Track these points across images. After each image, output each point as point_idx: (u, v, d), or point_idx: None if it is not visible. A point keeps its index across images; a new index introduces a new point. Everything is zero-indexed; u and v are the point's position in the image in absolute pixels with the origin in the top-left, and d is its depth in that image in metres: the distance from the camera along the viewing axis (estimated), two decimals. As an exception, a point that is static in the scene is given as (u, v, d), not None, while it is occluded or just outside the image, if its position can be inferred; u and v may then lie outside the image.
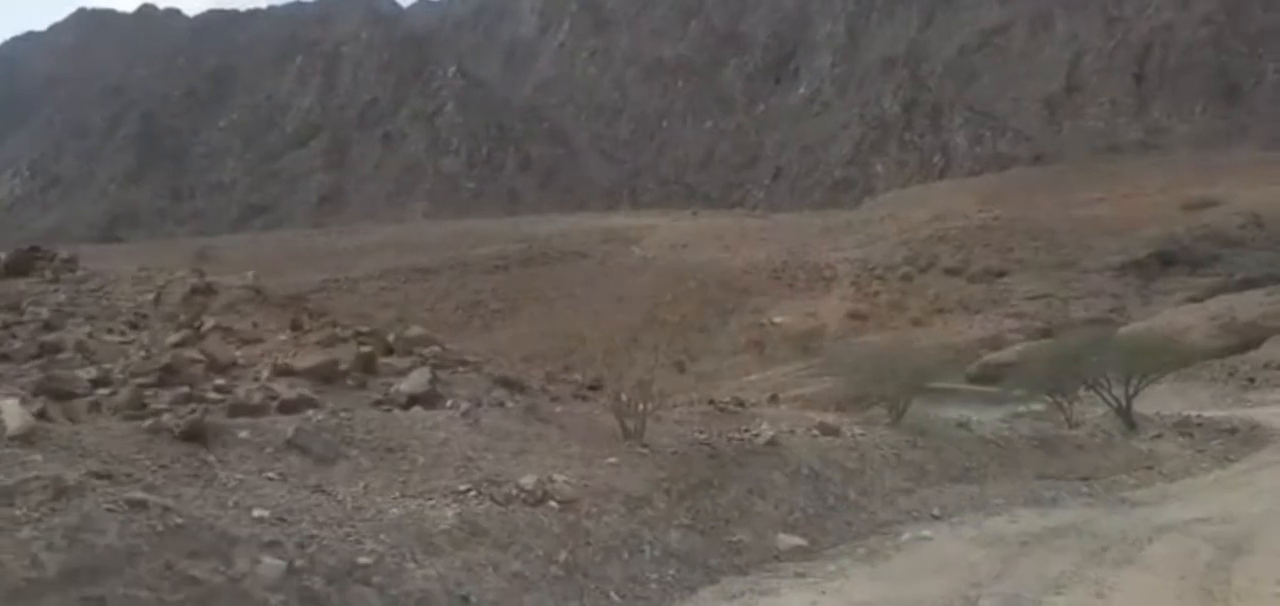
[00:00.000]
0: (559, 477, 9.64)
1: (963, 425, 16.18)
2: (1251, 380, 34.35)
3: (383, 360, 13.16)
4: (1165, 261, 65.89)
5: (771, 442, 12.55)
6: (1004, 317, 57.11)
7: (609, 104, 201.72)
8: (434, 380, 12.40)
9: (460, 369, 13.86)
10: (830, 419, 15.09)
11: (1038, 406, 23.97)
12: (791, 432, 13.52)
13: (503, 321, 51.95)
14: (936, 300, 62.01)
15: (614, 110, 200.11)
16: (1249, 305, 52.37)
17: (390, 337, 14.13)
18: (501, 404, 12.42)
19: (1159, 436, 18.55)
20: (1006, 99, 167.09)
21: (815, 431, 13.87)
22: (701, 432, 12.82)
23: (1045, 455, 14.69)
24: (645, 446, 11.51)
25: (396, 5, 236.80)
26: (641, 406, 11.88)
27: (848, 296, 63.21)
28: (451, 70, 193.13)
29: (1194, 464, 15.29)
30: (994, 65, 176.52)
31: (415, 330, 15.61)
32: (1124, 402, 20.20)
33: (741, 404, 16.71)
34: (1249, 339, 44.54)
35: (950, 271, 67.07)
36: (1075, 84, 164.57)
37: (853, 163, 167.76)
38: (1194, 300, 57.36)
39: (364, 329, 14.57)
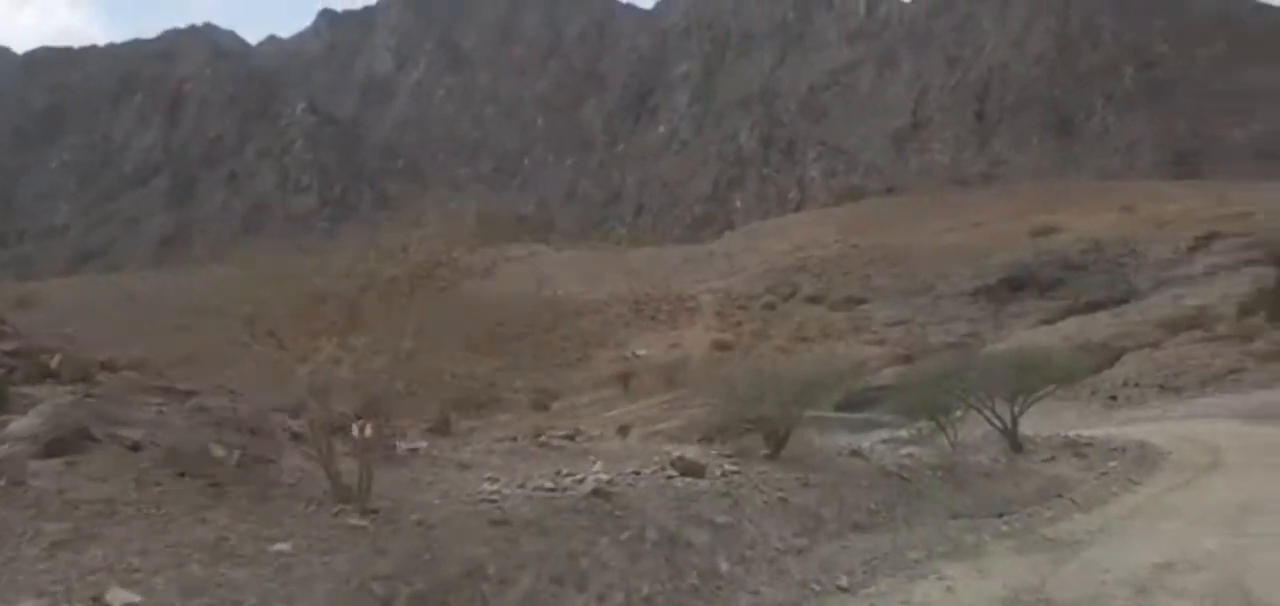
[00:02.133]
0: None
1: (857, 454, 14.09)
2: (1114, 398, 34.42)
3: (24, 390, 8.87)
4: (1015, 286, 67.19)
5: (600, 493, 9.24)
6: (866, 344, 56.85)
7: (469, 141, 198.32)
8: (89, 415, 8.04)
9: (164, 403, 9.61)
10: (692, 453, 12.03)
11: (910, 430, 22.59)
12: (636, 476, 10.49)
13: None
14: (800, 328, 61.43)
15: (473, 148, 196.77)
16: (1099, 326, 53.74)
17: (53, 361, 9.40)
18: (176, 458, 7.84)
19: (1052, 458, 17.30)
20: (857, 134, 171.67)
21: (671, 471, 10.83)
22: (492, 482, 9.41)
23: (953, 488, 12.69)
24: (368, 515, 7.49)
25: (243, 42, 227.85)
26: (368, 448, 8.08)
27: (712, 326, 62.03)
28: (301, 107, 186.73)
29: (1102, 489, 13.90)
30: (844, 102, 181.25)
31: (131, 357, 11.24)
32: (1010, 423, 18.93)
33: (573, 437, 14.03)
34: (1103, 358, 45.23)
35: (812, 299, 66.84)
36: (921, 120, 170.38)
37: (713, 198, 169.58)
38: (1046, 322, 58.38)
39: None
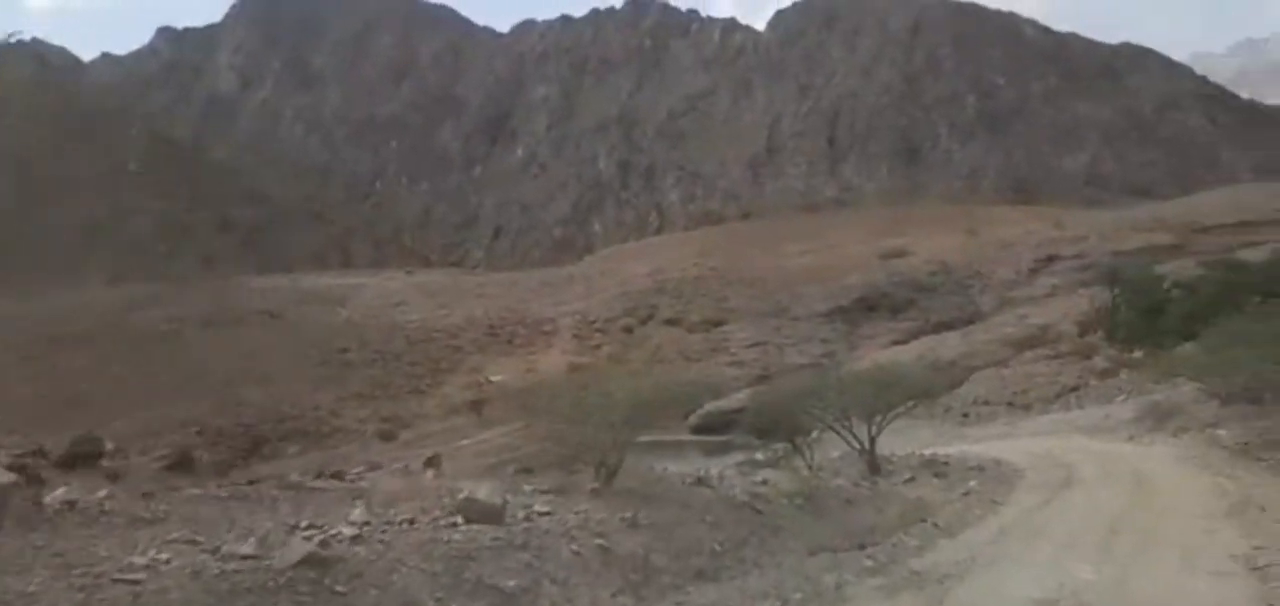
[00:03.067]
0: None
1: (702, 482, 12.63)
2: (966, 416, 34.67)
3: None
4: (868, 307, 68.43)
5: (314, 560, 6.92)
6: (725, 366, 56.50)
7: (318, 163, 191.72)
8: None
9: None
10: (485, 494, 9.62)
11: (766, 453, 21.72)
12: (405, 526, 8.41)
13: (169, 393, 44.92)
14: (658, 350, 60.76)
15: (323, 170, 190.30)
16: (949, 345, 54.83)
17: None
18: None
19: (912, 478, 16.61)
20: (714, 160, 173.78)
21: (455, 519, 8.74)
22: (163, 549, 7.06)
23: (811, 517, 11.52)
24: None
25: (76, 59, 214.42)
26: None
27: (569, 350, 60.68)
28: (136, 128, 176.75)
29: (965, 511, 13.16)
30: (701, 128, 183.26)
31: None
32: (867, 443, 18.21)
33: (341, 476, 12.00)
34: (953, 377, 45.81)
35: (670, 321, 66.33)
36: (775, 146, 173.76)
37: (572, 221, 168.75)
38: (898, 342, 59.30)
39: None
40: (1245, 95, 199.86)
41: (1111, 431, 24.46)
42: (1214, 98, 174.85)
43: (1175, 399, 24.77)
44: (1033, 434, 27.38)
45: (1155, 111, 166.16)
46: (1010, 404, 36.72)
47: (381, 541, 7.94)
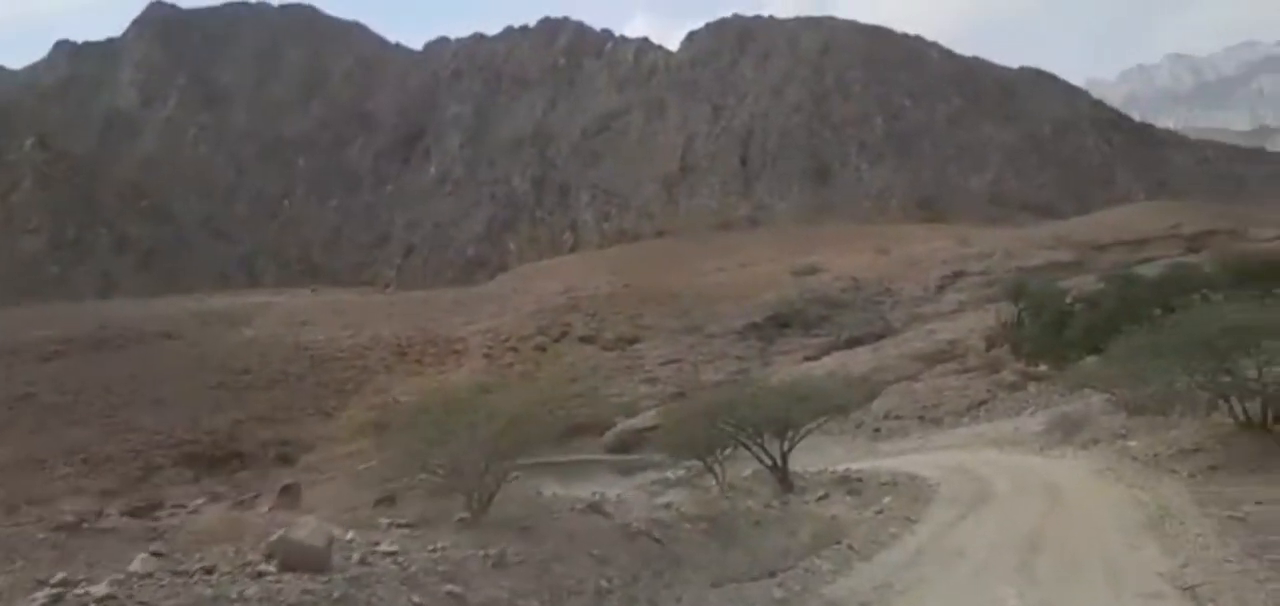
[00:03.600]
0: None
1: (595, 507, 11.58)
2: (878, 431, 34.59)
3: None
4: (781, 323, 68.53)
5: None
6: (639, 384, 55.89)
7: (223, 182, 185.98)
8: None
9: None
10: (308, 534, 7.76)
11: (679, 471, 21.10)
12: (177, 579, 6.98)
13: (59, 418, 42.52)
14: (571, 368, 59.77)
15: (229, 188, 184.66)
16: (860, 360, 55.13)
17: None
18: None
19: (825, 496, 16.12)
20: (628, 179, 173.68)
21: (264, 566, 7.36)
22: None
23: (718, 544, 10.75)
24: None
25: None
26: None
27: (479, 369, 59.30)
28: (30, 143, 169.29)
29: (880, 531, 12.66)
30: (615, 147, 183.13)
31: None
32: (779, 460, 17.67)
33: (150, 512, 10.20)
34: (865, 392, 45.92)
35: (584, 339, 65.50)
36: (689, 165, 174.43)
37: (485, 240, 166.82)
38: (810, 358, 59.37)
39: None
40: (1137, 118, 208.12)
41: (1022, 444, 24.44)
42: (1109, 121, 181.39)
43: (1084, 410, 24.89)
44: (945, 447, 27.30)
45: (1054, 133, 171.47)
46: (921, 418, 36.80)
47: (142, 602, 6.56)
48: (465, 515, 9.65)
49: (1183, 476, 15.48)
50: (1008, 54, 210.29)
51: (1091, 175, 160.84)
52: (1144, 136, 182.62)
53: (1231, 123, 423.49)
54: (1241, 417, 16.70)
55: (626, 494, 14.91)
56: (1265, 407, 16.36)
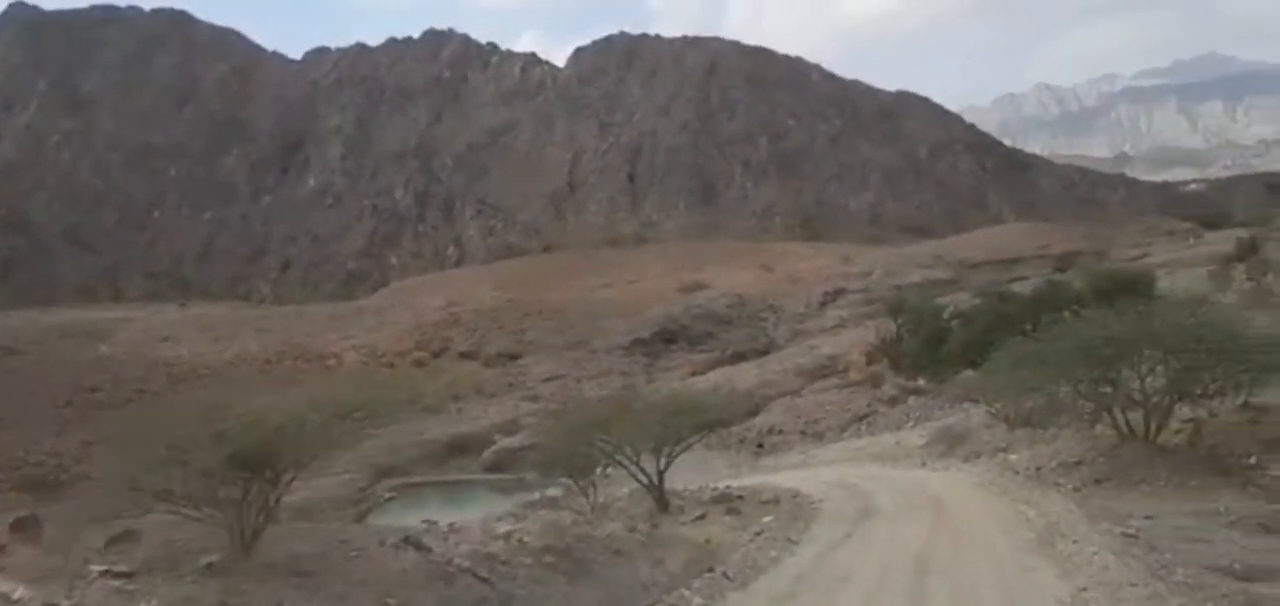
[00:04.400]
0: None
1: (411, 541, 9.53)
2: (761, 446, 34.06)
3: None
4: (667, 339, 68.07)
5: None
6: (520, 401, 54.39)
7: (88, 192, 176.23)
8: None
9: None
10: None
11: (553, 491, 19.91)
12: None
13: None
14: (451, 385, 57.88)
15: (94, 198, 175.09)
16: (744, 375, 54.92)
17: None
18: None
19: (702, 516, 15.13)
20: (515, 194, 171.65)
21: None
22: None
23: (566, 579, 9.21)
24: None
25: None
26: None
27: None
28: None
29: (759, 554, 11.73)
30: (502, 162, 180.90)
31: None
32: (656, 477, 16.66)
33: None
34: (749, 407, 45.69)
35: (465, 355, 63.62)
36: (576, 181, 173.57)
37: (366, 254, 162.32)
38: (696, 373, 58.89)
39: None
40: (1008, 143, 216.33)
41: (905, 458, 24.08)
42: (981, 144, 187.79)
43: (965, 423, 24.71)
44: (828, 462, 26.82)
45: (930, 155, 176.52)
46: (804, 432, 36.46)
47: None
48: (215, 559, 7.68)
49: (1067, 490, 15.08)
50: (885, 78, 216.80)
51: (965, 196, 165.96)
52: (1014, 161, 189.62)
53: (1093, 150, 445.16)
54: (1124, 429, 16.45)
55: (468, 521, 13.42)
56: (1147, 419, 16.13)
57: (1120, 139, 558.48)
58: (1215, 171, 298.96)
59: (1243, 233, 78.29)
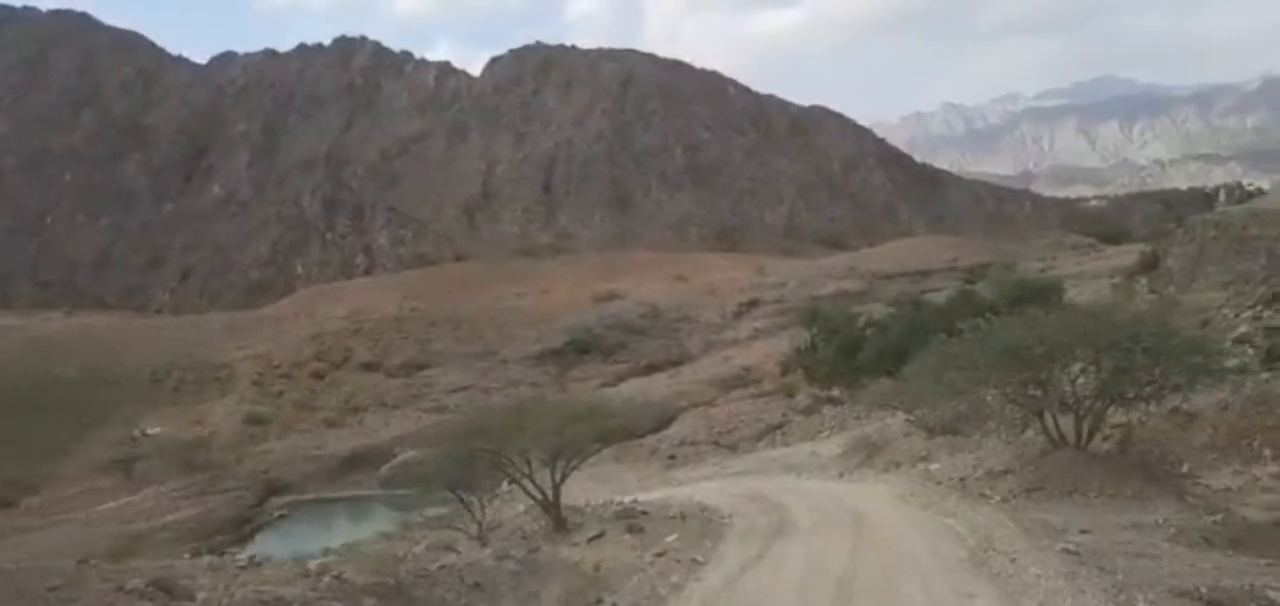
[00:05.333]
0: None
1: (164, 585, 7.70)
2: (672, 458, 32.78)
3: None
4: (580, 349, 66.78)
5: None
6: (424, 412, 52.28)
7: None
8: None
9: None
10: None
11: (423, 513, 18.15)
12: None
13: None
14: (352, 397, 55.51)
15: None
16: (658, 386, 53.97)
17: None
18: None
19: (600, 535, 13.63)
20: (427, 203, 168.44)
21: None
22: None
23: None
24: None
25: None
26: None
27: (247, 398, 54.04)
28: None
29: (659, 579, 10.29)
30: (415, 171, 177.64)
31: None
32: (551, 493, 15.12)
33: None
34: (661, 418, 44.78)
35: (367, 366, 61.14)
36: (491, 192, 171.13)
37: (271, 263, 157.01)
38: (608, 385, 57.64)
39: None
40: (917, 159, 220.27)
41: (820, 469, 22.96)
42: (892, 159, 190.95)
43: (883, 433, 23.71)
44: (740, 473, 25.60)
45: (842, 169, 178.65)
46: (717, 443, 35.32)
47: None
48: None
49: (995, 501, 14.00)
50: (797, 96, 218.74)
51: (877, 210, 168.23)
52: (923, 175, 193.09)
53: (998, 167, 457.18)
54: (1055, 435, 15.46)
55: (273, 550, 11.58)
56: (1079, 424, 15.16)
57: (1024, 157, 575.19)
58: (1113, 189, 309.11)
59: (1144, 247, 79.91)
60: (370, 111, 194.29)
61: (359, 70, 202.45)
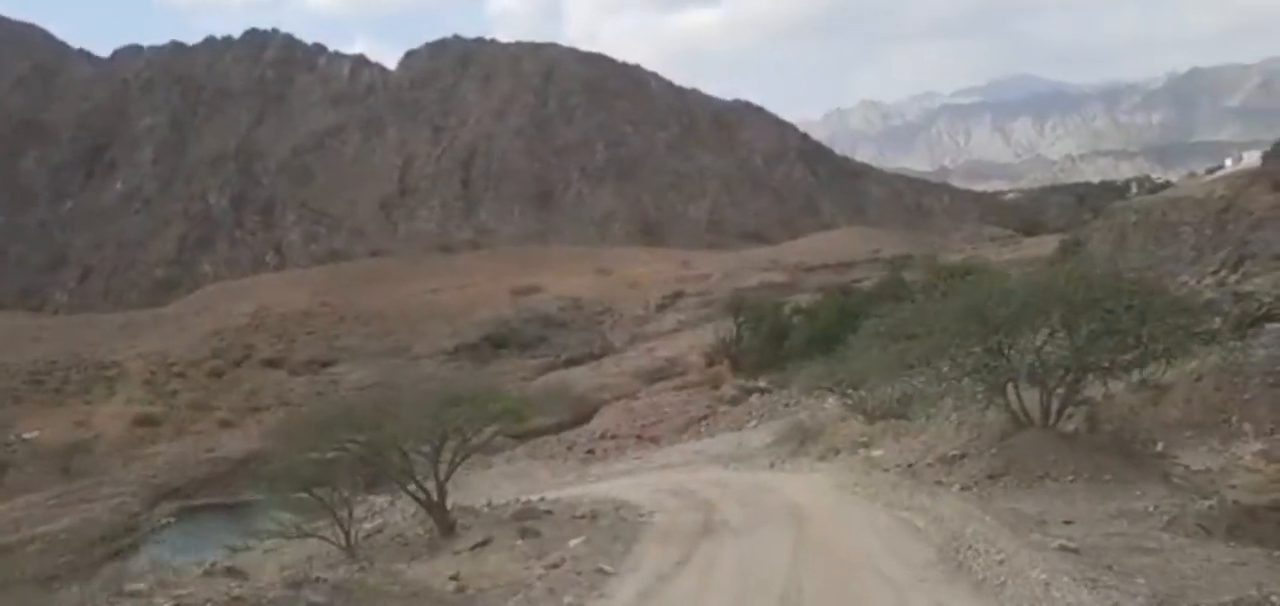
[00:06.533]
0: None
1: None
2: (591, 452, 30.65)
3: None
4: (497, 344, 64.49)
5: None
6: (329, 411, 49.18)
7: None
8: None
9: None
10: None
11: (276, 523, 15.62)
12: None
13: None
14: (252, 396, 52.15)
15: None
16: (578, 379, 52.01)
17: None
18: None
19: (486, 541, 11.39)
20: (342, 199, 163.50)
21: None
22: None
23: None
24: None
25: None
26: None
27: (137, 398, 50.34)
28: None
29: (547, 599, 8.15)
30: (329, 166, 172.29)
31: None
32: (435, 493, 12.83)
33: None
34: (580, 413, 42.83)
35: (270, 363, 57.71)
36: (408, 187, 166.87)
37: (176, 261, 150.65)
38: (526, 380, 55.37)
39: None
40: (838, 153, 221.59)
41: (749, 459, 21.02)
42: (814, 153, 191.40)
43: (817, 418, 21.87)
44: (663, 466, 23.57)
45: (765, 164, 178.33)
46: (639, 437, 33.31)
47: None
48: None
49: (955, 490, 12.12)
50: (719, 90, 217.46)
51: (799, 204, 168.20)
52: (845, 169, 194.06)
53: (916, 163, 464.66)
54: (1020, 413, 13.58)
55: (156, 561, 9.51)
56: (1047, 399, 13.31)
57: (940, 153, 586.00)
58: (1026, 184, 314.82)
59: (1065, 234, 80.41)
60: (282, 106, 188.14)
61: (270, 64, 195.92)
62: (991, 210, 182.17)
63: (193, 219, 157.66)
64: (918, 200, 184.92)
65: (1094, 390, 13.90)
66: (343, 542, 11.95)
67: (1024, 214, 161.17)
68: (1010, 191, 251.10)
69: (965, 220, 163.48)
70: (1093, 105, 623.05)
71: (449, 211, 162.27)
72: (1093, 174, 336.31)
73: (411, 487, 12.92)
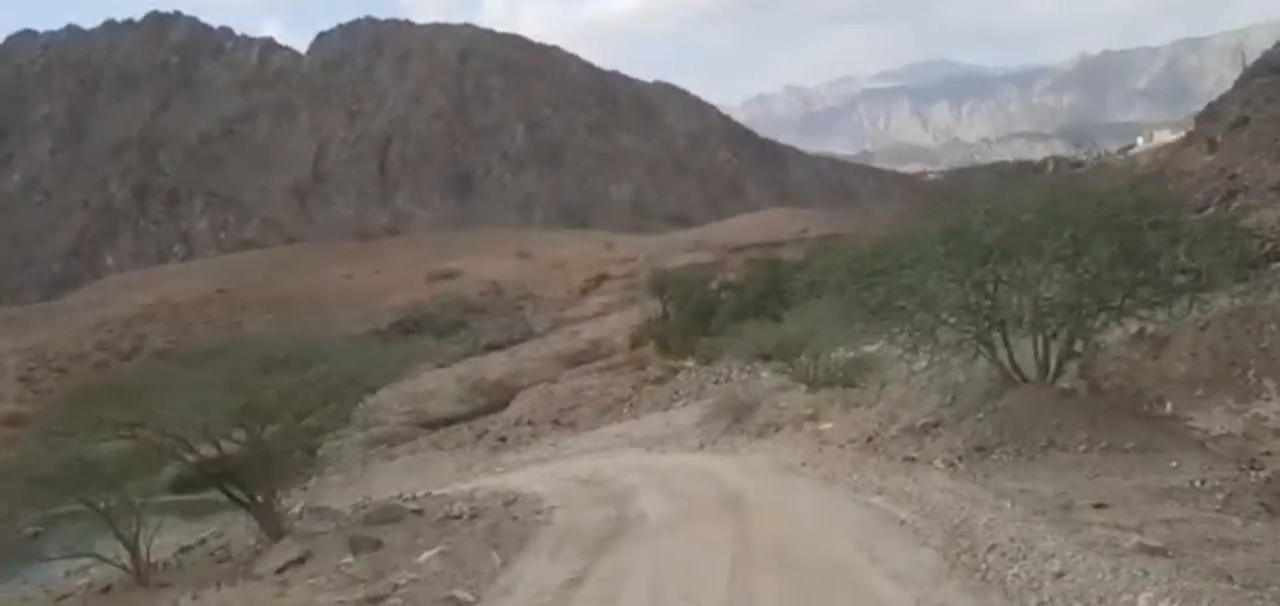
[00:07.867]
0: None
1: None
2: (503, 440, 27.85)
3: None
4: (409, 329, 61.47)
5: None
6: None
7: None
8: None
9: None
10: None
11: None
12: None
13: None
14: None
15: None
16: (495, 365, 49.49)
17: None
18: None
19: (303, 558, 8.60)
20: (254, 187, 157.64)
21: None
22: None
23: None
24: None
25: None
26: None
27: (10, 396, 46.13)
28: None
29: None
30: (239, 153, 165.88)
31: None
32: (259, 492, 9.98)
33: None
34: (497, 400, 40.48)
35: (162, 354, 53.68)
36: (322, 173, 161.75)
37: (77, 255, 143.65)
38: (442, 366, 52.58)
39: None
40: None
41: (676, 440, 18.43)
42: (737, 135, 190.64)
43: (751, 390, 19.40)
44: (579, 452, 20.93)
45: (688, 146, 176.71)
46: (556, 422, 30.64)
47: None
48: None
49: (939, 467, 9.61)
50: (638, 73, 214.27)
51: (724, 186, 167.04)
52: (769, 151, 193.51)
53: (838, 147, 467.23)
54: (1008, 367, 11.05)
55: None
56: (1044, 349, 10.74)
57: (862, 137, 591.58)
58: (945, 166, 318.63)
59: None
60: (187, 92, 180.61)
61: (174, 47, 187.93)
62: (916, 190, 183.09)
63: (94, 211, 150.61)
64: (841, 181, 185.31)
65: (1087, 339, 11.40)
66: (128, 565, 9.03)
67: (948, 192, 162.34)
68: (932, 172, 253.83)
69: (889, 199, 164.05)
70: (1007, 89, 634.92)
71: (366, 198, 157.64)
72: (1009, 155, 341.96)
73: (236, 492, 9.95)
